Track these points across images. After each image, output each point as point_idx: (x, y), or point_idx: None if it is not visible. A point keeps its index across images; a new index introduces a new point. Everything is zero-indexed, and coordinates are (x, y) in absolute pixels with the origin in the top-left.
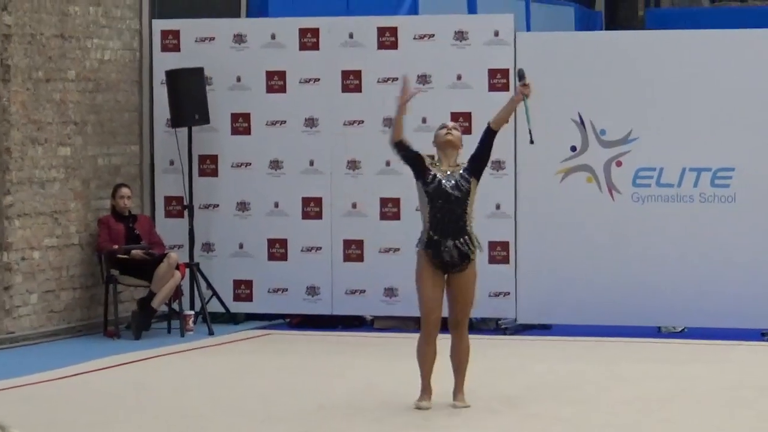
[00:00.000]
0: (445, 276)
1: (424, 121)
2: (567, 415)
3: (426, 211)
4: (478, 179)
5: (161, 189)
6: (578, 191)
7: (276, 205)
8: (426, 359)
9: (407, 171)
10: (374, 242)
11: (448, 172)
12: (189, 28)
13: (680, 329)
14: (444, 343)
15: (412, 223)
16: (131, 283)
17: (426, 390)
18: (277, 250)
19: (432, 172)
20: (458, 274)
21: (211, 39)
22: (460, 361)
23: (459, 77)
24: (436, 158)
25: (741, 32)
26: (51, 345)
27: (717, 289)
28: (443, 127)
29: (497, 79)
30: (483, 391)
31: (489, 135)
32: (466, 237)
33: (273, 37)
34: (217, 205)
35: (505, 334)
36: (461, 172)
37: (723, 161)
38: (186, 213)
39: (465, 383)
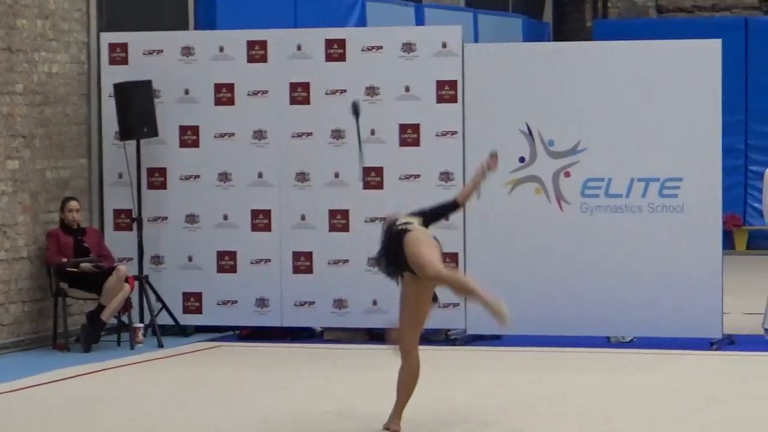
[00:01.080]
0: None
1: (372, 133)
2: (518, 425)
3: None
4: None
5: (110, 202)
6: (527, 202)
7: (225, 217)
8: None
9: (354, 182)
10: (323, 254)
11: None
12: (137, 40)
13: (629, 339)
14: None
15: (361, 234)
16: (80, 296)
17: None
18: (227, 262)
19: None
20: None
21: (159, 52)
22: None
23: (407, 89)
24: None
25: (687, 43)
26: None
27: (666, 299)
28: None
29: (445, 91)
30: (432, 402)
31: (452, 208)
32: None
33: (221, 49)
34: (166, 218)
35: (454, 344)
36: None
37: (671, 172)
38: (135, 226)
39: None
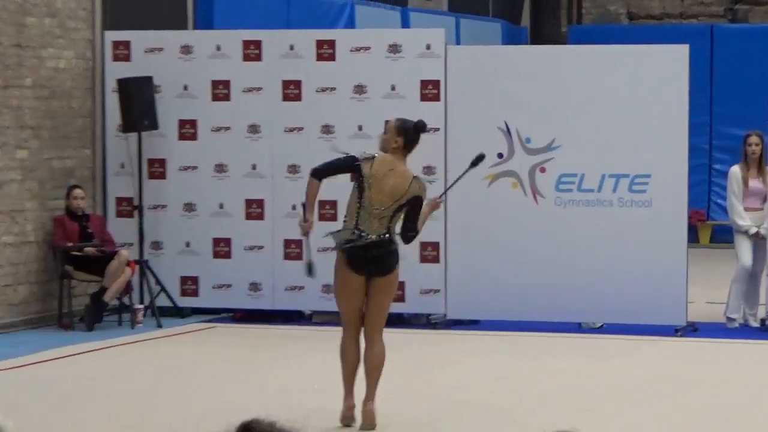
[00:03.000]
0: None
1: (360, 128)
2: (499, 403)
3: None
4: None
5: (113, 190)
6: (504, 195)
7: (221, 206)
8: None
9: (341, 176)
10: (313, 242)
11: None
12: (139, 39)
13: (599, 325)
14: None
15: None
16: (84, 279)
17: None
18: (222, 248)
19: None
20: (379, 278)
21: (160, 50)
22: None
23: (393, 88)
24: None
25: (655, 47)
26: (8, 336)
27: (634, 288)
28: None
29: (428, 90)
30: (415, 382)
31: (411, 230)
32: (388, 236)
33: (218, 48)
34: (165, 206)
35: (435, 328)
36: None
37: (640, 168)
38: (136, 213)
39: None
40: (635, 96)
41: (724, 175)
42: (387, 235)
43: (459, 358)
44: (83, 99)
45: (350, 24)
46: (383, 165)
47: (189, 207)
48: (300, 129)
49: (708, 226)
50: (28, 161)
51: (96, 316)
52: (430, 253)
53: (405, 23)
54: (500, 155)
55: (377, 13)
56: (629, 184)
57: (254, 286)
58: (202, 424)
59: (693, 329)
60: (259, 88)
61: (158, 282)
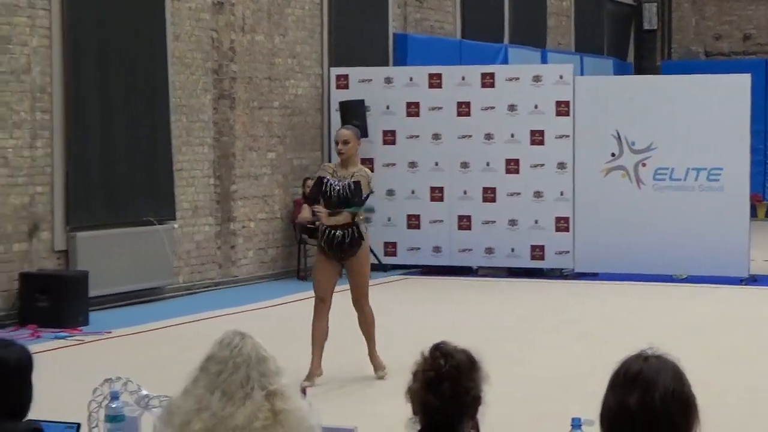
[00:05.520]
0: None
1: (512, 136)
2: (612, 336)
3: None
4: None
5: None
6: (616, 183)
7: (412, 192)
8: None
9: (500, 169)
10: (478, 217)
11: (342, 177)
12: (355, 73)
13: (684, 276)
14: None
15: (505, 204)
16: (315, 244)
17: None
18: (413, 222)
19: (326, 179)
20: (351, 258)
21: (369, 80)
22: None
23: (536, 106)
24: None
25: (725, 76)
26: (261, 285)
27: (710, 248)
28: (337, 143)
29: (561, 108)
30: (550, 315)
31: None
32: (354, 230)
33: (411, 79)
34: (373, 192)
35: (566, 279)
36: (353, 180)
37: (715, 163)
38: None
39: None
40: (711, 111)
41: None
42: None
43: (583, 300)
44: (315, 116)
45: (504, 61)
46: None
47: (390, 192)
48: (469, 136)
49: (764, 205)
50: (275, 160)
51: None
52: (563, 224)
53: (544, 60)
54: (613, 154)
55: (524, 53)
56: (707, 175)
57: (436, 249)
58: (404, 346)
59: (753, 279)
60: (440, 107)
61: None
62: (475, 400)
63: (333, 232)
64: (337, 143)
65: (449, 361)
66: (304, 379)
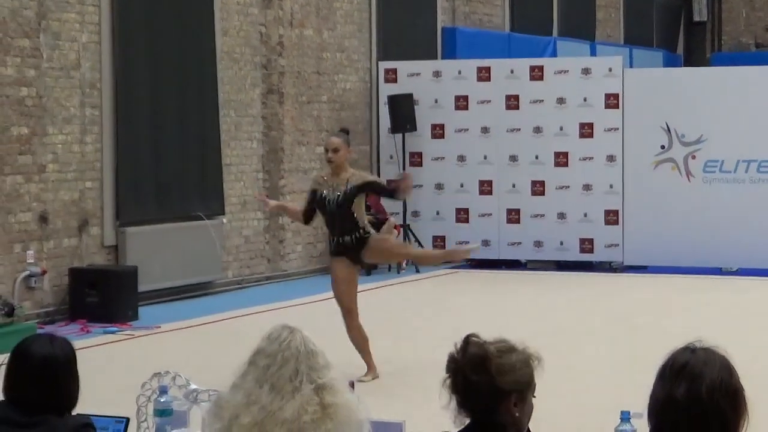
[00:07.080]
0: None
1: (561, 128)
2: (661, 329)
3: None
4: (365, 194)
5: (385, 174)
6: (666, 176)
7: (461, 185)
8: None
9: (549, 162)
10: (527, 210)
11: (335, 185)
12: (403, 67)
13: (735, 269)
14: None
15: (553, 197)
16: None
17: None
18: (462, 216)
19: (319, 191)
20: (365, 251)
21: (418, 74)
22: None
23: (585, 99)
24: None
25: None
26: (309, 279)
27: (759, 242)
28: (326, 151)
29: (610, 101)
30: (599, 308)
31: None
32: (359, 231)
33: (459, 72)
34: (422, 185)
35: (615, 272)
36: (347, 187)
37: (765, 155)
38: None
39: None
40: (761, 103)
41: None
42: None
43: (632, 293)
44: (363, 110)
45: (553, 54)
46: None
47: (439, 186)
48: (518, 130)
49: None
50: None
51: (371, 265)
52: (612, 217)
53: (593, 52)
54: (663, 146)
55: (573, 46)
56: (757, 167)
57: (485, 242)
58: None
59: None
60: (489, 101)
61: (416, 240)
62: (498, 393)
63: (342, 239)
64: (326, 151)
65: (465, 354)
66: (364, 374)
